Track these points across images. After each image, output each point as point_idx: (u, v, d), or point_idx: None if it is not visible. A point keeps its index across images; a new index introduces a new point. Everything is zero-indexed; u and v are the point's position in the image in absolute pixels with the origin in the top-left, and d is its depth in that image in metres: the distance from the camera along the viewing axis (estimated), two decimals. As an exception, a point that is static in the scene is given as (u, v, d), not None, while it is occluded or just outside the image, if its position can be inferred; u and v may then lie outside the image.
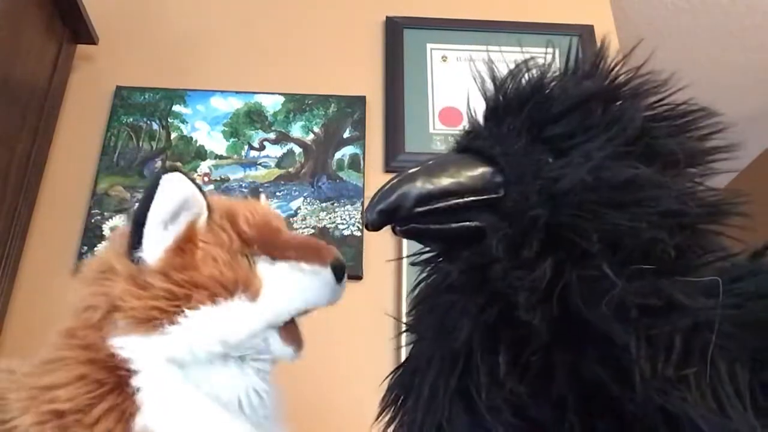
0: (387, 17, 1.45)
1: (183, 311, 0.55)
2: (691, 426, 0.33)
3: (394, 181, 0.43)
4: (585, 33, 1.41)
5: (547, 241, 0.39)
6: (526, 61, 0.47)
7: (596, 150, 0.40)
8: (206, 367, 0.57)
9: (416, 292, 0.51)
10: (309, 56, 1.41)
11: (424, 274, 0.51)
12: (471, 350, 0.41)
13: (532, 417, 0.39)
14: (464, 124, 0.49)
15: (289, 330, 0.61)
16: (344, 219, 1.22)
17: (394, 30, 1.42)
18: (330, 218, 1.23)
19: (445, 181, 0.42)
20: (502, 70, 0.48)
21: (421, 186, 0.42)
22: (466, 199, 0.42)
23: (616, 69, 0.46)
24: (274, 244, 0.61)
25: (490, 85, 0.48)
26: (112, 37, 1.39)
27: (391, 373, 0.52)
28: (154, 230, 0.56)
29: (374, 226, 0.42)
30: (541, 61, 0.47)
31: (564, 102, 0.43)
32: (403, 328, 0.54)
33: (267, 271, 0.60)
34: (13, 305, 1.12)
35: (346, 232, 1.21)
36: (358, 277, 1.15)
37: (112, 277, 0.56)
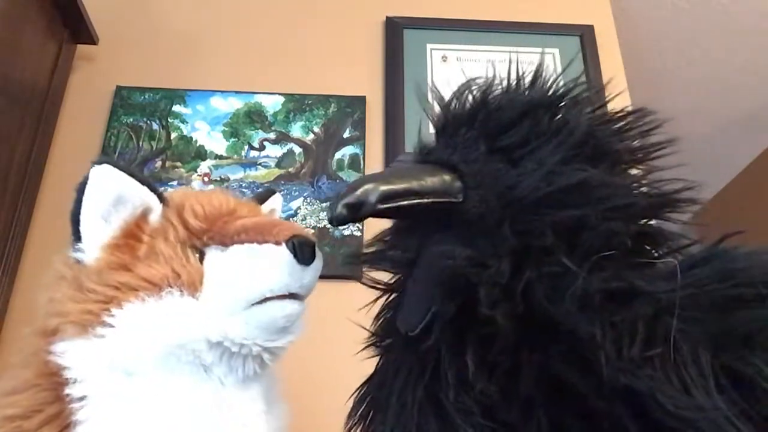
0: (387, 17, 1.44)
1: (111, 312, 0.51)
2: (657, 406, 0.34)
3: (358, 180, 0.44)
4: (585, 33, 1.41)
5: (508, 244, 0.41)
6: (468, 82, 0.49)
7: (547, 156, 0.42)
8: (163, 375, 0.52)
9: (381, 306, 0.53)
10: (309, 56, 1.41)
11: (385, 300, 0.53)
12: (439, 354, 0.42)
13: (502, 418, 0.40)
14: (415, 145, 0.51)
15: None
16: (344, 219, 1.22)
17: (394, 30, 1.42)
18: (330, 218, 1.23)
19: (408, 183, 0.43)
20: (447, 94, 0.50)
21: (384, 185, 0.43)
22: (427, 200, 0.43)
23: (557, 80, 0.48)
24: (225, 231, 0.56)
25: (437, 108, 0.50)
26: (112, 37, 1.39)
27: (358, 388, 0.52)
28: (91, 227, 0.53)
29: (338, 220, 0.43)
30: (482, 80, 0.49)
31: (512, 111, 0.45)
32: (370, 341, 0.54)
33: (218, 259, 0.55)
34: (13, 305, 1.12)
35: (346, 232, 1.21)
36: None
37: (60, 281, 0.54)
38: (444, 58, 1.40)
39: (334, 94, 1.35)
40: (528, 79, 0.48)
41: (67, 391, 0.50)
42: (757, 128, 1.99)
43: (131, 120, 1.31)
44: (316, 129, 1.33)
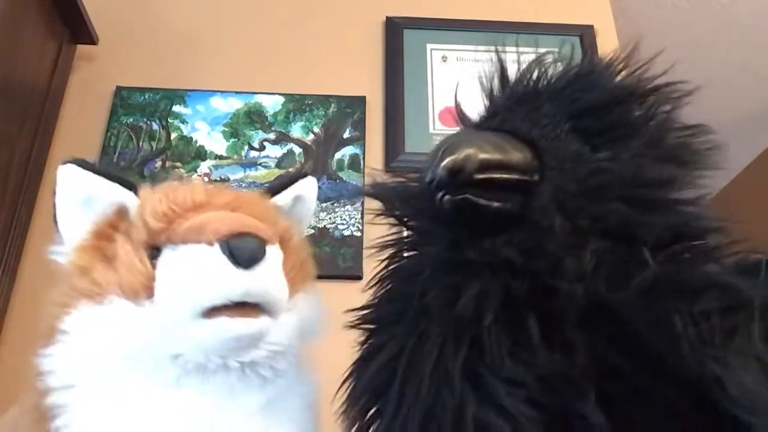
0: (387, 17, 1.44)
1: (64, 318, 0.48)
2: (722, 393, 0.34)
3: (452, 140, 0.41)
4: (585, 33, 1.41)
5: (587, 229, 0.40)
6: (546, 54, 0.47)
7: (637, 147, 0.42)
8: (126, 385, 0.48)
9: (384, 272, 0.50)
10: (309, 56, 1.41)
11: (393, 261, 0.50)
12: (479, 326, 0.40)
13: (552, 395, 0.38)
14: (484, 105, 0.48)
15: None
16: (344, 219, 1.22)
17: (394, 30, 1.42)
18: (330, 218, 1.23)
19: (501, 154, 0.41)
20: (525, 61, 0.48)
21: (482, 153, 0.40)
22: (514, 177, 0.41)
23: (644, 70, 0.47)
24: (179, 229, 0.49)
25: (515, 71, 0.48)
26: (112, 37, 1.39)
27: (351, 374, 0.48)
28: (64, 229, 0.52)
29: (439, 184, 0.40)
30: (559, 56, 0.48)
31: (605, 94, 0.44)
32: (369, 313, 0.52)
33: (169, 261, 0.49)
34: (13, 305, 1.12)
35: (346, 233, 1.21)
36: (357, 277, 1.14)
37: (53, 283, 0.53)
38: (444, 58, 1.40)
39: (334, 94, 1.35)
40: (617, 64, 0.47)
41: (42, 397, 0.48)
42: (757, 128, 1.99)
43: (131, 120, 1.31)
44: (316, 129, 1.33)
